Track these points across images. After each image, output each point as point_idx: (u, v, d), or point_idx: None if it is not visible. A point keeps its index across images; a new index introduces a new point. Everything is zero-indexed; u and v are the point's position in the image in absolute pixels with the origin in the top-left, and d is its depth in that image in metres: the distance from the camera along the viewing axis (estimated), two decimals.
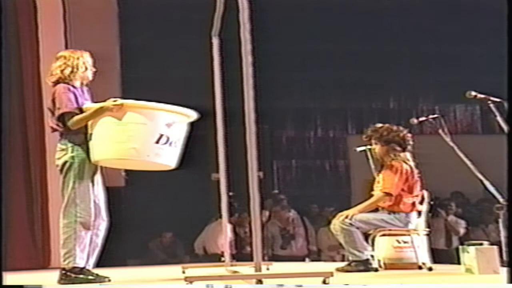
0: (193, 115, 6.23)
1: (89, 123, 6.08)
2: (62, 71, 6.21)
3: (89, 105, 6.14)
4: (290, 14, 13.62)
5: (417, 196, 7.23)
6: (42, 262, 10.24)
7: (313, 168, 15.02)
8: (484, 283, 5.77)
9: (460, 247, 6.73)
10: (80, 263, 6.08)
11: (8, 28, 9.85)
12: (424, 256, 7.17)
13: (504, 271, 5.77)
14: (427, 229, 7.41)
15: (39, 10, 10.72)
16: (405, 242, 7.16)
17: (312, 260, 11.64)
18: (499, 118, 6.22)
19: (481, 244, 6.43)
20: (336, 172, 14.99)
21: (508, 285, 5.24)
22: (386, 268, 7.11)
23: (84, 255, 6.12)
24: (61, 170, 6.15)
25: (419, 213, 7.28)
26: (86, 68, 6.31)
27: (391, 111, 14.91)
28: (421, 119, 7.30)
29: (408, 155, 7.28)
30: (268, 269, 6.97)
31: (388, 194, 7.13)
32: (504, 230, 6.44)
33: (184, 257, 12.24)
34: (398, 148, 7.24)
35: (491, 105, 6.32)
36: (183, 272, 6.98)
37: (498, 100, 6.27)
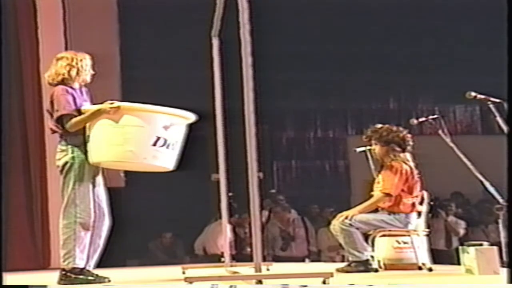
0: (191, 117, 6.22)
1: (87, 125, 6.09)
2: (68, 71, 6.21)
3: (87, 107, 6.14)
4: (290, 15, 13.62)
5: (417, 196, 7.23)
6: (42, 262, 10.24)
7: (313, 169, 15.03)
8: (484, 284, 5.78)
9: (460, 247, 6.73)
10: (80, 263, 6.09)
11: (8, 28, 9.87)
12: (424, 257, 7.17)
13: (504, 271, 5.78)
14: (427, 230, 7.41)
15: (39, 10, 10.72)
16: (405, 243, 7.16)
17: (312, 261, 11.63)
18: (499, 119, 6.22)
19: (481, 245, 6.43)
20: (336, 172, 14.99)
21: (508, 285, 5.24)
22: (386, 269, 7.11)
23: (84, 256, 6.12)
24: (61, 171, 6.15)
25: (419, 213, 7.28)
26: (87, 71, 6.32)
27: (391, 111, 14.91)
28: (421, 119, 7.30)
29: (408, 155, 7.28)
30: (268, 269, 6.97)
31: (388, 195, 7.13)
32: (504, 231, 6.44)
33: (184, 258, 12.24)
34: (398, 149, 7.24)
35: (491, 106, 6.32)
36: (183, 273, 6.98)
37: (498, 100, 6.27)
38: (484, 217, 12.52)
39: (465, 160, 6.74)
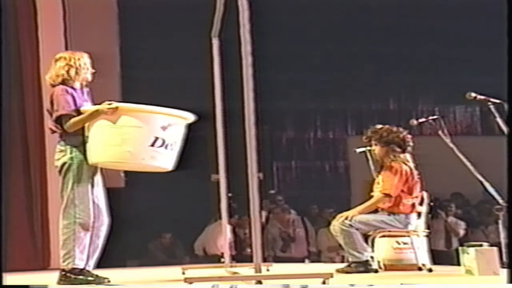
0: (189, 117, 6.21)
1: (86, 125, 6.08)
2: (68, 71, 6.20)
3: (86, 108, 6.13)
4: (290, 15, 13.61)
5: (416, 197, 7.23)
6: (42, 263, 10.23)
7: (313, 169, 15.02)
8: (484, 284, 5.78)
9: (460, 248, 6.74)
10: (80, 264, 6.08)
11: (8, 28, 9.85)
12: (424, 257, 7.16)
13: (504, 272, 5.78)
14: (427, 230, 7.41)
15: (39, 10, 10.71)
16: (405, 243, 7.16)
17: (312, 261, 11.63)
18: (499, 119, 6.23)
19: (481, 245, 6.44)
20: (336, 173, 14.99)
21: (508, 285, 5.24)
22: (386, 269, 7.11)
23: (84, 256, 6.11)
24: (60, 171, 6.15)
25: (419, 214, 7.27)
26: (87, 69, 6.32)
27: (391, 112, 14.91)
28: (421, 120, 7.30)
29: (408, 156, 7.28)
30: (268, 270, 6.97)
31: (387, 195, 7.13)
32: (503, 231, 6.45)
33: (184, 258, 12.23)
34: (398, 149, 7.24)
35: (491, 106, 6.32)
36: (183, 273, 6.98)
37: (498, 101, 6.28)
38: (484, 218, 12.52)
39: (465, 160, 6.74)
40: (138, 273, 8.53)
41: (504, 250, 6.31)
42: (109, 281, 6.16)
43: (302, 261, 11.60)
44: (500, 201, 6.40)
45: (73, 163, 6.09)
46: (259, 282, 5.42)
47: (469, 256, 6.42)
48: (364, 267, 6.92)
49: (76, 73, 6.23)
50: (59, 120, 6.12)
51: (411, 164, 7.25)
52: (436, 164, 10.24)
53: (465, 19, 14.12)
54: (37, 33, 10.64)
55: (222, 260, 7.72)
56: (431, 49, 14.39)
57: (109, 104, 6.01)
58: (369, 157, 7.41)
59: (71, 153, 6.10)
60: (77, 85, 6.26)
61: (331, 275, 5.52)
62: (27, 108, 10.57)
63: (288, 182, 14.77)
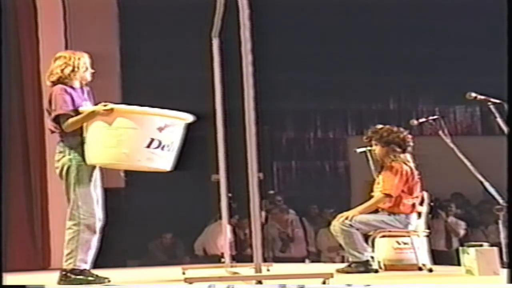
0: (187, 117, 6.20)
1: (84, 126, 6.08)
2: (62, 70, 6.20)
3: (83, 109, 6.12)
4: (290, 15, 13.61)
5: (417, 197, 7.23)
6: (42, 263, 10.23)
7: (313, 169, 15.02)
8: (484, 284, 5.78)
9: (460, 248, 6.73)
10: (81, 265, 6.08)
11: (8, 28, 9.85)
12: (424, 258, 7.16)
13: (504, 272, 5.78)
14: (427, 230, 7.41)
15: (39, 10, 10.71)
16: (405, 244, 7.16)
17: (312, 261, 11.63)
18: (499, 119, 6.22)
19: (481, 246, 6.43)
20: (336, 173, 14.98)
21: (508, 285, 5.24)
22: (386, 269, 7.11)
23: (88, 258, 6.11)
24: (60, 173, 6.15)
25: (419, 214, 7.27)
26: (86, 69, 6.32)
27: (391, 112, 14.91)
28: (421, 120, 7.30)
29: (408, 156, 7.28)
30: (268, 270, 6.97)
31: (388, 195, 7.13)
32: (504, 231, 6.44)
33: (184, 258, 12.23)
34: (398, 149, 7.24)
35: (491, 106, 6.32)
36: (183, 273, 6.98)
37: (498, 101, 6.27)
38: (484, 218, 12.52)
39: (465, 160, 6.74)
40: (138, 273, 8.52)
41: (504, 250, 6.30)
42: (109, 281, 6.16)
43: (302, 261, 11.60)
44: (500, 201, 6.40)
45: (72, 164, 6.09)
46: (259, 282, 5.42)
47: (469, 256, 6.42)
48: (364, 267, 6.92)
49: (73, 71, 6.22)
50: (57, 120, 6.12)
51: (412, 164, 7.24)
52: (436, 164, 10.24)
53: (465, 19, 14.12)
54: (37, 32, 10.64)
55: (222, 260, 7.72)
56: (431, 49, 14.39)
57: (105, 105, 6.01)
58: (369, 157, 7.41)
59: (69, 154, 6.10)
60: (76, 84, 6.26)
61: (331, 275, 5.52)
62: (27, 108, 10.57)
63: (288, 182, 14.77)
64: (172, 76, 13.01)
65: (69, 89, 6.16)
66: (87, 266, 6.12)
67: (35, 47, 10.56)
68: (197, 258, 12.05)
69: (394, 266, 7.15)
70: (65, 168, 6.11)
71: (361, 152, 7.45)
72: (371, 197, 7.27)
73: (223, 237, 8.24)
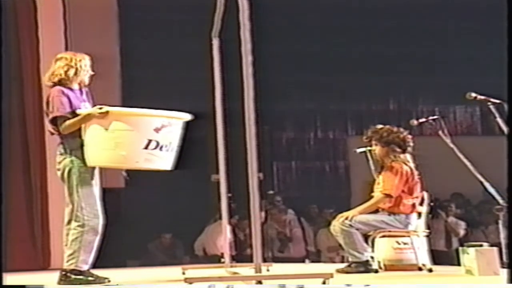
0: (184, 116, 6.19)
1: (83, 128, 6.08)
2: (66, 72, 6.20)
3: (80, 111, 6.12)
4: (290, 15, 13.62)
5: (417, 197, 7.23)
6: (42, 263, 10.23)
7: (313, 169, 15.01)
8: (484, 284, 5.78)
9: (460, 248, 6.73)
10: (83, 266, 6.08)
11: (8, 28, 9.85)
12: (424, 258, 7.16)
13: (504, 272, 5.78)
14: (427, 231, 7.41)
15: (39, 10, 10.71)
16: (405, 244, 7.16)
17: (312, 261, 11.63)
18: (499, 120, 6.22)
19: (481, 246, 6.43)
20: (336, 173, 14.98)
21: (508, 285, 5.24)
22: (386, 270, 7.10)
23: (89, 259, 6.11)
24: (62, 175, 6.15)
25: (419, 214, 7.27)
26: (87, 71, 6.31)
27: (391, 112, 14.90)
28: (421, 120, 7.30)
29: (408, 156, 7.28)
30: (268, 270, 6.97)
31: (388, 196, 7.13)
32: (503, 232, 6.44)
33: (184, 258, 12.23)
34: (398, 150, 7.23)
35: (491, 107, 6.32)
36: (183, 273, 6.98)
37: (498, 101, 6.27)
38: (484, 218, 12.51)
39: (465, 161, 6.74)
40: (138, 273, 8.52)
41: (504, 250, 6.30)
42: (109, 281, 6.16)
43: (302, 261, 11.60)
44: (500, 201, 6.40)
45: (74, 166, 6.09)
46: (259, 282, 5.42)
47: (469, 256, 6.41)
48: (364, 267, 6.92)
49: (75, 74, 6.22)
50: (55, 122, 6.12)
51: (412, 164, 7.24)
52: (436, 164, 10.23)
53: (465, 19, 14.12)
54: (37, 32, 10.64)
55: (222, 260, 7.72)
56: (431, 50, 14.40)
57: (100, 108, 6.01)
58: (369, 157, 7.41)
59: (71, 156, 6.11)
60: (75, 86, 6.25)
61: (331, 275, 5.52)
62: (27, 108, 10.58)
63: (288, 182, 14.77)
64: (172, 76, 13.01)
65: (66, 91, 6.15)
66: (87, 267, 6.12)
67: (35, 47, 10.56)
68: (197, 258, 12.05)
69: (394, 266, 7.15)
70: (66, 170, 6.11)
71: (361, 152, 7.45)
72: (371, 197, 7.27)
73: (223, 237, 8.24)
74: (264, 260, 5.97)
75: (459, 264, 6.72)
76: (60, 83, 6.18)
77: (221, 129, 7.47)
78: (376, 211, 7.25)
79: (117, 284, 6.12)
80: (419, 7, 14.00)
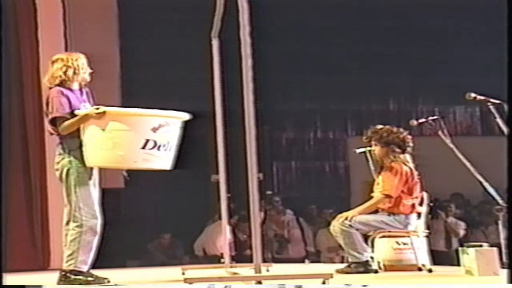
0: (181, 116, 6.19)
1: (81, 128, 6.08)
2: (65, 72, 6.19)
3: (78, 112, 6.12)
4: (290, 16, 13.62)
5: (416, 197, 7.23)
6: (41, 263, 10.23)
7: (312, 170, 15.02)
8: (483, 285, 5.78)
9: (460, 248, 6.73)
10: (82, 267, 6.07)
11: (8, 28, 9.85)
12: (423, 258, 7.16)
13: (504, 272, 5.78)
14: (427, 231, 7.41)
15: (39, 10, 10.71)
16: (404, 244, 7.16)
17: (312, 262, 11.63)
18: (498, 120, 6.22)
19: (480, 246, 6.43)
20: (336, 173, 14.98)
21: (508, 285, 5.24)
22: (385, 270, 7.10)
23: (88, 260, 6.11)
24: (60, 175, 6.15)
25: (419, 214, 7.27)
26: (85, 70, 6.31)
27: (391, 112, 14.90)
28: (420, 120, 7.29)
29: (408, 156, 7.28)
30: (267, 270, 6.97)
31: (388, 196, 7.13)
32: (503, 232, 6.44)
33: (183, 258, 12.23)
34: (398, 150, 7.23)
35: (491, 107, 6.32)
36: (183, 273, 6.98)
37: (497, 101, 6.27)
38: (484, 218, 12.52)
39: (465, 161, 6.74)
40: (138, 274, 8.53)
41: (504, 250, 6.30)
42: (108, 282, 6.16)
43: (302, 261, 11.59)
44: (500, 201, 6.40)
45: (72, 166, 6.09)
46: (259, 283, 5.42)
47: (469, 256, 6.41)
48: (364, 267, 6.92)
49: (74, 73, 6.22)
50: (54, 122, 6.12)
51: (411, 165, 7.24)
52: (436, 165, 10.23)
53: (465, 19, 14.13)
54: (37, 33, 10.65)
55: (222, 260, 7.72)
56: (431, 50, 14.40)
57: (97, 108, 6.01)
58: (369, 158, 7.41)
59: (69, 156, 6.10)
60: (75, 86, 6.25)
61: (331, 276, 5.52)
62: (27, 108, 10.58)
63: (288, 183, 14.77)
64: (172, 76, 13.01)
65: (66, 91, 6.15)
66: (87, 267, 6.12)
67: (35, 48, 10.56)
68: (196, 258, 12.05)
69: (394, 266, 7.14)
70: (65, 170, 6.11)
71: (360, 153, 7.45)
72: (371, 197, 7.27)
73: (222, 237, 8.23)
74: (264, 261, 5.97)
75: (459, 265, 6.72)
76: (61, 84, 6.18)
77: (221, 129, 7.47)
78: (375, 212, 7.25)
79: (117, 285, 6.13)
80: (419, 7, 14.01)
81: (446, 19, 14.37)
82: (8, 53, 9.67)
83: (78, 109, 6.13)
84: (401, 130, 7.33)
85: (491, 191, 6.55)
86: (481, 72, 13.29)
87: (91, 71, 6.35)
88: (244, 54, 5.58)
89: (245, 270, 6.58)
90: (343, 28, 13.88)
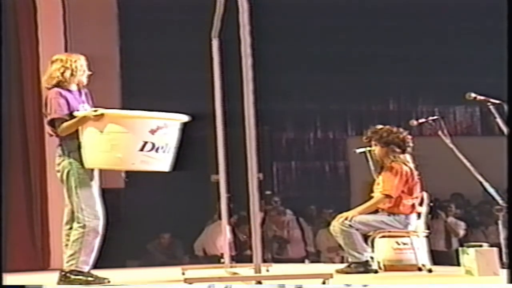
0: (180, 118, 6.19)
1: (80, 130, 6.08)
2: (62, 73, 6.19)
3: (77, 113, 6.12)
4: (290, 16, 13.62)
5: (416, 197, 7.22)
6: (41, 263, 10.23)
7: (312, 170, 15.02)
8: (483, 285, 5.78)
9: (460, 248, 6.73)
10: (83, 267, 6.07)
11: (8, 28, 9.85)
12: (423, 258, 7.16)
13: (503, 272, 5.78)
14: (427, 231, 7.41)
15: (39, 10, 10.71)
16: (404, 244, 7.16)
17: (312, 262, 11.63)
18: (498, 120, 6.22)
19: (480, 246, 6.43)
20: (336, 173, 14.99)
21: (508, 285, 5.24)
22: (385, 270, 7.10)
23: (90, 260, 6.11)
24: (61, 176, 6.15)
25: (419, 214, 7.27)
26: (84, 71, 6.30)
27: (391, 112, 14.91)
28: (420, 120, 7.29)
29: (408, 156, 7.28)
30: (267, 270, 6.97)
31: (388, 196, 7.12)
32: (503, 232, 6.44)
33: (183, 259, 12.23)
34: (398, 150, 7.23)
35: (491, 107, 6.32)
36: (183, 274, 6.97)
37: (497, 101, 6.27)
38: (484, 218, 12.52)
39: (465, 161, 6.74)
40: (138, 274, 8.53)
41: (504, 250, 6.30)
42: (108, 282, 6.16)
43: (302, 261, 11.59)
44: (500, 201, 6.40)
45: (72, 167, 6.09)
46: (259, 283, 5.42)
47: (469, 256, 6.42)
48: (364, 267, 6.92)
49: (72, 75, 6.21)
50: (53, 123, 6.12)
51: (411, 165, 7.24)
52: (436, 165, 10.23)
53: (465, 19, 14.13)
54: (37, 33, 10.64)
55: (222, 260, 7.72)
56: (431, 50, 14.40)
57: (95, 111, 6.01)
58: (369, 158, 7.40)
59: (69, 157, 6.11)
60: (73, 87, 6.24)
61: (331, 276, 5.52)
62: (27, 108, 10.57)
63: (288, 183, 14.78)
64: (172, 77, 13.01)
65: (64, 92, 6.14)
66: (88, 268, 6.12)
67: (35, 48, 10.56)
68: (196, 258, 12.04)
69: (394, 266, 7.14)
70: (65, 172, 6.11)
71: (360, 153, 7.45)
72: (371, 197, 7.27)
73: (222, 237, 8.23)
74: (264, 261, 5.98)
75: (459, 265, 6.72)
76: (58, 85, 6.17)
77: (221, 129, 7.46)
78: (375, 212, 7.24)
79: (116, 285, 6.12)
80: (419, 7, 14.01)
81: (446, 19, 14.36)
82: (8, 53, 9.68)
83: (77, 110, 6.13)
84: (401, 130, 7.32)
85: (491, 191, 6.55)
86: (481, 72, 13.30)
87: (90, 73, 6.34)
88: (244, 54, 5.58)
89: (245, 270, 6.58)
90: (343, 28, 13.88)
